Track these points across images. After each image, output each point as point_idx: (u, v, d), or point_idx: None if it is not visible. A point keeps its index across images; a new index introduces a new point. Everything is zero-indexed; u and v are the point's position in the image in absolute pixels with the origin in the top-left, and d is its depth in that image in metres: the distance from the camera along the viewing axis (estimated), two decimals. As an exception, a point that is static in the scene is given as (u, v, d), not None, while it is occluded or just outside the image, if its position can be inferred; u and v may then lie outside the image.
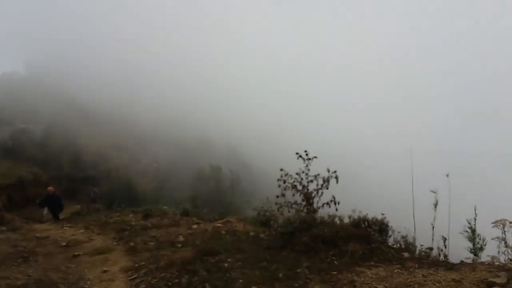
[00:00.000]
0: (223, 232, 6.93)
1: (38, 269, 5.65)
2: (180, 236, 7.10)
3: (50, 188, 16.79)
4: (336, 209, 5.60)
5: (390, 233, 5.18)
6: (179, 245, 6.49)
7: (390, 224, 5.28)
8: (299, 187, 5.88)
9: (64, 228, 9.78)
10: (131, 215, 10.41)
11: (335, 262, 4.47)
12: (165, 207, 10.95)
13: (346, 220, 5.39)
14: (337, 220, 5.40)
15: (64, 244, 7.42)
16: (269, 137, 70.85)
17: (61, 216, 20.02)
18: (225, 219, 8.27)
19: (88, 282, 5.04)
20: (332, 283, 3.95)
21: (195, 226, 7.97)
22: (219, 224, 7.68)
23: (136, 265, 5.62)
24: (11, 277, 5.13)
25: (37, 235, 8.57)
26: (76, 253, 6.56)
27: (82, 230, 9.04)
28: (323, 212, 5.80)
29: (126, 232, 8.12)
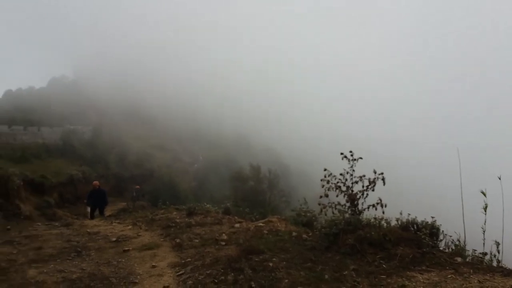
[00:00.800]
0: (265, 231, 6.97)
1: (91, 263, 5.93)
2: (224, 234, 7.22)
3: (95, 182, 17.12)
4: (383, 212, 5.47)
5: (441, 237, 5.00)
6: (223, 243, 6.61)
7: (441, 228, 5.09)
8: (343, 188, 5.81)
9: (113, 224, 10.24)
10: (175, 213, 10.71)
11: (384, 265, 4.37)
12: (208, 205, 11.17)
13: (394, 223, 5.26)
14: (384, 223, 5.27)
15: (114, 239, 7.73)
16: (307, 137, 70.30)
17: (108, 212, 20.92)
18: (266, 219, 8.32)
19: (138, 277, 5.23)
20: (382, 287, 3.88)
21: (237, 225, 8.08)
22: (261, 224, 7.73)
23: (183, 261, 5.78)
24: (66, 271, 5.42)
25: (88, 230, 8.99)
26: (126, 248, 6.81)
27: (130, 226, 9.40)
28: (368, 215, 5.69)
29: (172, 229, 8.37)
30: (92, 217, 15.49)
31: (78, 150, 44.89)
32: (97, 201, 15.94)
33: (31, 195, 27.04)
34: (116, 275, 5.29)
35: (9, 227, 9.00)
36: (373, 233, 4.93)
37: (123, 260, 6.14)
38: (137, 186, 31.91)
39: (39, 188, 30.53)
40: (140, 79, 70.26)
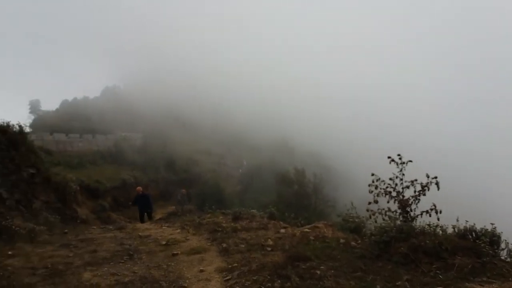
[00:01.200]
0: (311, 237, 6.83)
1: (142, 266, 6.10)
2: (269, 240, 7.18)
3: (139, 188, 17.52)
4: (438, 218, 5.16)
5: (502, 245, 4.62)
6: (269, 249, 6.57)
7: (502, 236, 4.71)
8: (394, 194, 5.55)
9: (163, 227, 10.55)
10: (221, 217, 10.84)
11: (440, 276, 4.11)
12: (253, 210, 11.20)
13: (450, 231, 4.94)
14: (439, 230, 4.96)
15: (164, 243, 7.94)
16: (353, 140, 68.64)
17: (159, 215, 21.60)
18: (312, 225, 8.16)
19: (187, 281, 5.31)
20: (438, 299, 3.65)
21: (283, 230, 8.00)
22: (307, 230, 7.59)
23: (230, 266, 5.80)
24: (119, 274, 5.60)
25: (140, 234, 9.30)
26: (175, 252, 6.96)
27: (178, 230, 9.63)
28: (422, 222, 5.40)
29: (219, 233, 8.46)
30: (142, 220, 16.05)
31: (129, 156, 47.04)
32: (143, 206, 16.42)
33: (87, 200, 28.68)
34: (165, 279, 5.40)
35: (66, 230, 9.55)
36: (427, 241, 4.65)
37: (172, 264, 6.26)
38: (183, 190, 32.75)
39: (94, 192, 32.36)
40: (185, 87, 72.32)
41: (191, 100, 67.04)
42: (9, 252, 6.41)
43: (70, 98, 76.00)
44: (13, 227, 7.44)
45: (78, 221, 14.41)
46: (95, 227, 11.87)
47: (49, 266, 5.91)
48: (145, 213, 16.51)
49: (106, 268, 5.90)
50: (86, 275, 5.52)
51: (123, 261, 6.45)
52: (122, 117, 59.14)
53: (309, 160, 55.43)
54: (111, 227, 11.46)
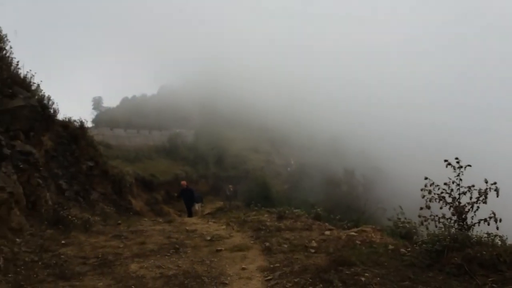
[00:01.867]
0: (357, 241, 6.58)
1: (187, 260, 6.22)
2: (313, 241, 7.02)
3: (183, 182, 17.90)
4: (497, 228, 4.71)
5: None
6: (312, 251, 6.42)
7: None
8: (448, 199, 5.15)
9: (209, 223, 10.75)
10: (266, 215, 10.82)
11: (496, 290, 3.75)
12: (297, 210, 11.06)
13: (510, 241, 4.49)
14: (497, 241, 4.54)
15: (209, 238, 8.06)
16: (406, 141, 65.66)
17: (207, 210, 22.10)
18: (359, 228, 7.87)
19: (229, 278, 5.33)
20: (495, 316, 3.32)
21: (327, 232, 7.79)
22: (353, 233, 7.33)
23: (271, 266, 5.75)
24: (164, 267, 5.76)
25: (187, 228, 9.54)
26: (219, 248, 7.04)
27: (224, 226, 9.76)
28: (479, 231, 4.97)
29: (262, 232, 8.44)
30: (190, 214, 16.52)
31: (182, 152, 48.74)
32: (188, 200, 16.82)
33: (142, 192, 30.14)
34: (208, 275, 5.47)
35: (119, 221, 10.04)
36: (484, 252, 4.27)
37: (216, 260, 6.33)
38: (230, 186, 33.20)
39: (149, 185, 33.93)
40: (236, 86, 73.38)
41: (241, 102, 67.84)
42: (63, 241, 6.82)
43: (129, 95, 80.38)
44: (70, 217, 7.93)
45: (132, 212, 15.17)
46: (146, 219, 12.36)
47: (100, 256, 6.23)
48: (192, 206, 16.95)
49: (152, 261, 6.11)
50: (133, 266, 5.74)
51: (169, 254, 6.63)
52: (176, 114, 61.43)
53: (359, 161, 53.82)
54: (160, 220, 11.87)
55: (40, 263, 5.50)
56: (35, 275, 5.01)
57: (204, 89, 71.39)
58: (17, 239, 6.15)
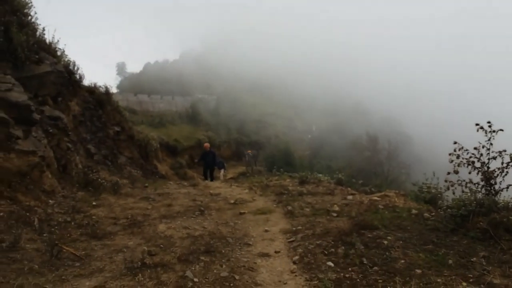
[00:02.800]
0: (380, 206, 6.55)
1: (212, 222, 6.43)
2: (335, 206, 7.07)
3: (206, 144, 17.44)
4: None
5: None
6: (334, 214, 6.47)
7: None
8: (477, 165, 5.00)
9: (232, 187, 10.96)
10: (288, 180, 10.92)
11: (522, 255, 3.70)
12: (320, 175, 11.08)
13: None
14: (525, 206, 4.43)
15: (232, 201, 8.26)
16: (434, 105, 63.61)
17: (230, 175, 22.31)
18: (382, 193, 7.83)
19: (252, 239, 5.48)
20: (517, 279, 3.30)
21: (350, 197, 7.80)
22: (376, 198, 7.31)
23: (294, 228, 5.85)
24: (190, 228, 5.97)
25: (211, 191, 9.77)
26: (242, 211, 7.20)
27: (246, 190, 9.93)
28: (507, 196, 4.84)
29: (284, 196, 8.55)
30: (206, 177, 16.39)
31: (204, 118, 49.14)
32: (208, 163, 16.42)
33: (167, 157, 30.89)
34: (232, 236, 5.63)
35: (146, 184, 10.37)
36: (511, 217, 4.18)
37: (239, 222, 6.50)
38: (249, 151, 33.35)
39: (173, 150, 34.68)
40: (259, 50, 72.04)
41: (262, 66, 66.80)
42: (94, 203, 7.14)
43: (152, 61, 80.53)
44: (99, 180, 8.25)
45: (158, 176, 15.63)
46: (172, 182, 12.71)
47: (129, 217, 6.50)
48: (209, 170, 16.55)
49: (179, 222, 6.33)
50: (161, 227, 5.97)
51: (194, 216, 6.85)
52: (198, 80, 61.38)
53: (385, 126, 52.80)
54: (185, 183, 12.16)
55: (72, 223, 5.80)
56: (68, 235, 5.29)
57: (226, 54, 70.57)
58: (50, 201, 6.47)
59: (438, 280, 3.40)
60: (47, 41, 9.60)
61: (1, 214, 5.17)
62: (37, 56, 8.36)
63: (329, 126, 55.08)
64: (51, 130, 7.95)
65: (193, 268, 4.17)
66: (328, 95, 62.85)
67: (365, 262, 3.98)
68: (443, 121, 56.28)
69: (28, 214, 5.50)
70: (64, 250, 4.47)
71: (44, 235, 5.01)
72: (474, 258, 3.82)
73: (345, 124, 55.05)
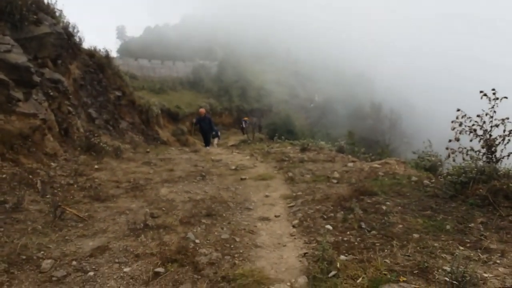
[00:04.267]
0: (380, 173, 6.60)
1: (213, 187, 6.50)
2: (335, 172, 7.12)
3: (201, 110, 16.49)
4: None
5: None
6: (334, 181, 6.53)
7: None
8: (480, 132, 4.97)
9: (234, 153, 11.01)
10: (289, 147, 10.96)
11: (521, 221, 3.75)
12: (321, 142, 11.09)
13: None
14: (526, 174, 4.44)
15: (233, 167, 8.33)
16: (438, 75, 62.70)
17: (231, 142, 22.25)
18: (383, 160, 7.87)
19: (253, 204, 5.57)
20: (514, 244, 3.36)
21: (350, 164, 7.84)
22: (376, 165, 7.34)
23: (294, 194, 5.93)
24: (191, 192, 6.05)
25: (212, 157, 9.84)
26: (243, 177, 7.27)
27: (248, 157, 9.98)
28: (508, 164, 4.85)
29: (285, 163, 8.61)
30: (207, 144, 15.86)
31: (206, 84, 48.60)
32: (205, 129, 15.76)
33: (168, 123, 30.87)
34: (233, 200, 5.72)
35: (148, 150, 10.41)
36: (511, 184, 4.20)
37: (240, 187, 6.59)
38: (245, 118, 33.06)
39: (174, 117, 34.57)
40: (262, 15, 70.04)
41: (266, 29, 65.24)
42: (96, 166, 7.19)
43: (152, 25, 78.60)
44: (101, 144, 8.26)
45: (159, 142, 15.67)
46: (173, 148, 12.76)
47: (132, 180, 6.57)
48: (205, 136, 15.94)
49: (181, 186, 6.41)
50: (163, 190, 6.05)
51: (196, 181, 6.94)
52: (199, 44, 60.13)
53: (388, 95, 52.31)
54: (187, 149, 12.21)
55: (75, 186, 5.87)
56: (71, 197, 5.37)
57: (228, 18, 68.76)
58: (52, 164, 6.52)
59: (435, 244, 3.46)
60: (45, 1, 9.34)
61: (4, 176, 5.22)
62: (35, 17, 8.14)
63: (333, 95, 54.56)
64: (51, 93, 7.89)
65: (195, 230, 4.26)
66: (332, 64, 61.82)
67: (363, 226, 4.05)
68: (446, 90, 55.67)
69: (30, 176, 5.55)
70: (67, 212, 4.54)
71: (47, 196, 5.08)
72: (472, 224, 3.87)
73: (349, 92, 54.51)
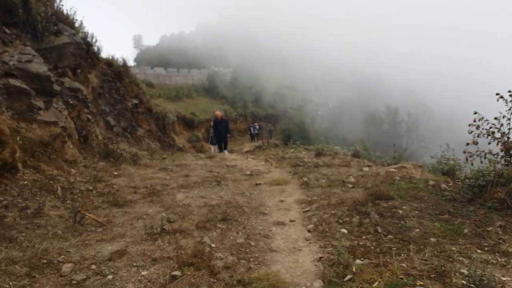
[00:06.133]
0: (397, 177, 6.51)
1: (228, 192, 6.55)
2: (351, 177, 7.07)
3: (217, 113, 16.09)
4: None
5: None
6: (350, 186, 6.49)
7: None
8: (497, 135, 4.88)
9: (249, 159, 11.06)
10: (304, 152, 10.94)
11: (539, 225, 3.66)
12: (336, 147, 11.04)
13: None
14: (545, 176, 4.33)
15: (248, 173, 8.36)
16: (457, 78, 61.58)
17: (246, 148, 22.30)
18: (399, 164, 7.77)
19: (268, 209, 5.59)
20: (534, 248, 3.29)
21: (366, 169, 7.78)
22: (392, 169, 7.26)
23: (309, 199, 5.92)
24: (207, 197, 6.11)
25: (227, 163, 9.90)
26: (258, 182, 7.30)
27: (262, 162, 10.01)
28: None
29: (300, 168, 8.60)
30: (220, 148, 15.60)
31: (220, 91, 49.02)
32: (221, 132, 15.47)
33: (184, 130, 31.22)
34: (248, 205, 5.74)
35: (165, 156, 10.57)
36: (529, 187, 4.11)
37: (255, 192, 6.61)
38: (256, 124, 32.93)
39: (190, 123, 34.95)
40: (276, 19, 70.41)
41: (280, 35, 65.49)
42: (115, 173, 7.34)
43: (168, 33, 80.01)
44: (119, 150, 8.43)
45: (175, 148, 15.89)
46: (189, 154, 12.91)
47: (149, 186, 6.68)
48: (222, 140, 15.57)
49: (196, 191, 6.48)
50: (179, 196, 6.13)
51: (211, 186, 7.00)
52: (214, 52, 60.79)
53: (405, 98, 51.63)
54: (202, 155, 12.33)
55: (94, 191, 6.01)
56: (90, 202, 5.50)
57: (242, 25, 69.36)
58: (72, 170, 6.69)
59: (453, 248, 3.41)
60: (65, 12, 9.65)
61: (26, 182, 5.38)
62: (55, 28, 8.43)
63: (348, 99, 54.23)
64: (71, 102, 8.11)
65: (211, 235, 4.31)
66: (347, 68, 61.50)
67: (379, 230, 4.02)
68: (465, 92, 54.62)
69: (51, 182, 5.71)
70: (87, 217, 4.66)
71: (67, 202, 5.22)
72: (490, 228, 3.80)
73: (365, 96, 54.07)
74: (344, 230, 4.18)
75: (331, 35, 71.01)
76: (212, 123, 17.12)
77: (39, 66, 6.90)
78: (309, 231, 4.47)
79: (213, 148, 16.46)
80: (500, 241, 3.50)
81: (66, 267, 3.41)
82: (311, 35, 69.52)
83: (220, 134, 15.53)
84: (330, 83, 59.87)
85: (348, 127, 45.29)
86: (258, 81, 52.85)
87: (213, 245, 3.99)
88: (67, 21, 9.40)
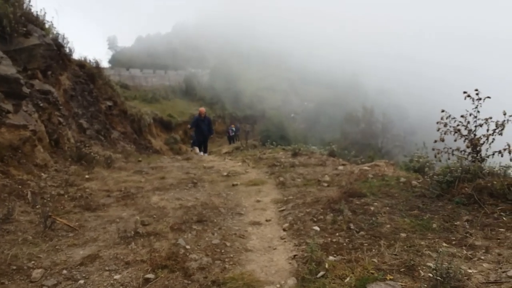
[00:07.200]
0: (370, 175, 6.67)
1: (204, 193, 6.51)
2: (326, 176, 7.18)
3: (202, 109, 15.10)
4: (511, 159, 4.67)
5: None
6: (325, 184, 6.59)
7: None
8: (464, 132, 5.07)
9: (226, 160, 11.05)
10: (281, 153, 11.02)
11: (504, 218, 3.82)
12: (313, 147, 11.18)
13: (523, 172, 4.48)
14: (510, 172, 4.53)
15: (225, 174, 8.35)
16: (429, 78, 63.43)
17: (225, 150, 22.26)
18: (373, 163, 7.96)
19: (244, 209, 5.60)
20: (498, 240, 3.42)
21: (341, 167, 7.93)
22: (366, 167, 7.43)
23: (285, 198, 5.98)
24: (183, 199, 6.06)
25: (204, 165, 9.85)
26: (235, 183, 7.30)
27: (240, 163, 10.02)
28: (492, 163, 4.94)
29: (277, 168, 8.66)
30: (199, 148, 15.05)
31: (198, 92, 48.70)
32: (204, 131, 14.58)
33: (161, 132, 30.83)
34: (224, 206, 5.73)
35: (140, 159, 10.40)
36: (495, 182, 4.28)
37: (232, 193, 6.61)
38: (232, 125, 32.99)
39: (167, 125, 34.56)
40: (254, 23, 70.63)
41: (258, 37, 65.71)
42: (87, 176, 7.16)
43: (144, 34, 78.83)
44: (92, 154, 8.24)
45: (152, 151, 15.65)
46: (165, 156, 12.77)
47: (123, 189, 6.55)
48: (203, 141, 14.82)
49: (172, 193, 6.41)
50: (154, 198, 6.05)
51: (187, 188, 6.93)
52: (191, 53, 60.38)
53: (382, 99, 52.74)
54: (179, 157, 12.22)
55: (66, 196, 5.84)
56: (62, 207, 5.34)
57: (219, 26, 69.19)
58: (43, 175, 6.49)
59: (422, 242, 3.52)
60: (35, 13, 9.36)
61: (-6, 187, 5.20)
62: (25, 29, 8.16)
63: (325, 99, 54.93)
64: (41, 105, 7.88)
65: (186, 236, 4.28)
66: (324, 68, 62.32)
67: (352, 227, 4.10)
68: (438, 92, 56.31)
69: (21, 187, 5.53)
70: (58, 222, 4.54)
71: (38, 207, 5.06)
72: (458, 222, 3.94)
73: (341, 96, 54.92)
74: (318, 228, 4.24)
75: (309, 35, 71.80)
76: (189, 125, 16.40)
77: (8, 68, 6.67)
78: (284, 230, 4.50)
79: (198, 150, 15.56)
80: (467, 235, 3.63)
81: (37, 273, 3.32)
82: (289, 37, 70.03)
83: (203, 134, 14.69)
84: (308, 84, 60.49)
85: (326, 127, 45.88)
86: (237, 83, 52.84)
87: (188, 246, 3.97)
88: (36, 22, 9.12)
